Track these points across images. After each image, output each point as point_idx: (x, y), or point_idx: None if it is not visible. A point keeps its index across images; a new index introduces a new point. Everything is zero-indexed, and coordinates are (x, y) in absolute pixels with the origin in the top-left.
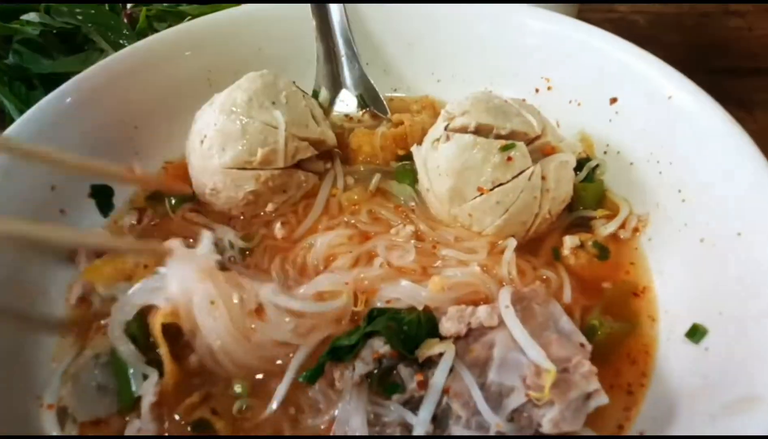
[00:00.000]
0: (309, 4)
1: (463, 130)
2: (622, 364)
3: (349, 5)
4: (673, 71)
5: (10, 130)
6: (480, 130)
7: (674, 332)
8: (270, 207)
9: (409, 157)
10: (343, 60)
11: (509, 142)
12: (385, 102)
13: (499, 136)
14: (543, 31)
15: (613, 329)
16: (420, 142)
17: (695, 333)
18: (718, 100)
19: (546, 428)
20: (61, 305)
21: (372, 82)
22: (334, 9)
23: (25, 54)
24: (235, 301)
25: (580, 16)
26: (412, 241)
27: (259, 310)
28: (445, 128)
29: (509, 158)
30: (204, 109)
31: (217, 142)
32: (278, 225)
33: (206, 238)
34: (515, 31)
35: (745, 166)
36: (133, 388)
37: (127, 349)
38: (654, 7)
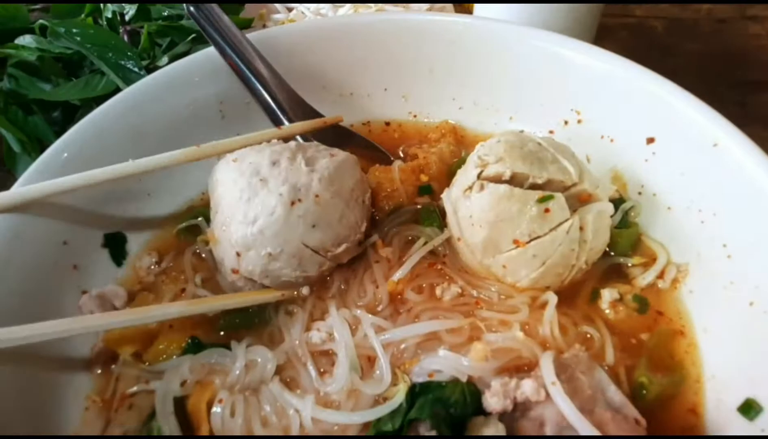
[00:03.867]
0: (323, 28)
1: (497, 178)
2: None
3: (366, 31)
4: (720, 117)
5: (16, 187)
6: (515, 179)
7: (723, 401)
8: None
9: (429, 186)
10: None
11: (546, 193)
12: None
13: (534, 185)
14: (576, 61)
15: (663, 386)
16: (439, 174)
17: (749, 410)
18: (746, 119)
19: None
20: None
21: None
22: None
23: (21, 78)
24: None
25: None
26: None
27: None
28: (478, 176)
29: (547, 210)
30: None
31: (311, 213)
32: None
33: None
34: (545, 59)
35: None
36: None
37: (171, 429)
38: (670, 12)
